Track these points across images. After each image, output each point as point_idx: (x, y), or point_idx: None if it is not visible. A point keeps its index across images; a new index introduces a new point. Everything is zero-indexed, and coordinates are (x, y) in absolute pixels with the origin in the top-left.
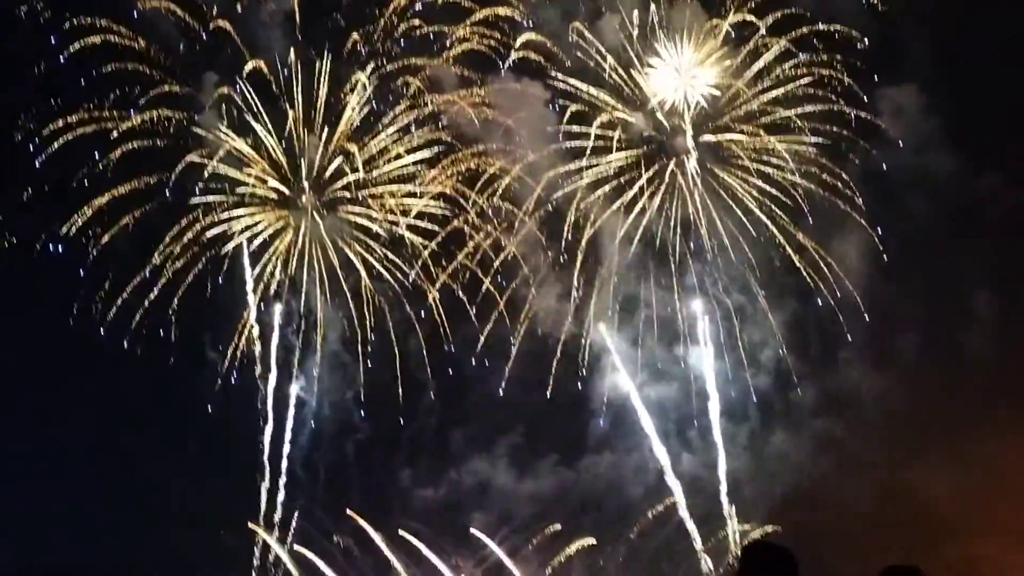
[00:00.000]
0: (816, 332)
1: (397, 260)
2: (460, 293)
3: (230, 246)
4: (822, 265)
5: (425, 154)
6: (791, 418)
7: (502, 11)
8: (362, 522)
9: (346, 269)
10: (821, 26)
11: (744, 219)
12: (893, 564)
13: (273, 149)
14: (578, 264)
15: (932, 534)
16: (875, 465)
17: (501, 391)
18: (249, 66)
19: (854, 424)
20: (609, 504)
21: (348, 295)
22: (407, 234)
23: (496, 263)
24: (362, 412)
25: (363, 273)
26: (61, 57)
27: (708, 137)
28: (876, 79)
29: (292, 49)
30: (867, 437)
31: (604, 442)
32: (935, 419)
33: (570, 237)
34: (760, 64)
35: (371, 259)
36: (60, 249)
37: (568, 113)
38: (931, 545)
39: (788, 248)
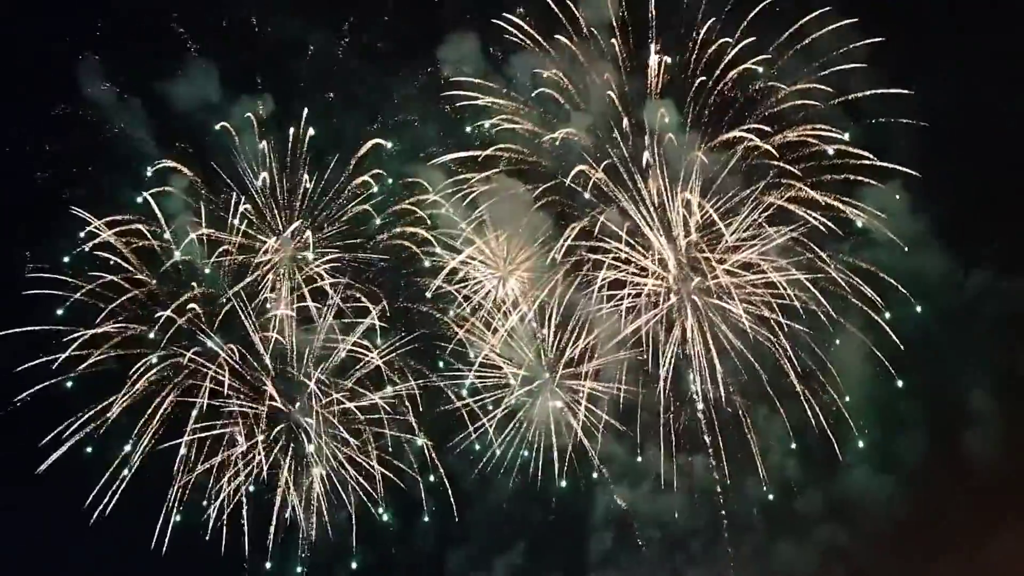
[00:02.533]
0: (817, 438)
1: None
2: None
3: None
4: (819, 371)
5: None
6: (796, 526)
7: None
8: None
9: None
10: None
11: (742, 327)
12: None
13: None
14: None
15: None
16: None
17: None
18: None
19: (859, 532)
20: None
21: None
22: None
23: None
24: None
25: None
26: None
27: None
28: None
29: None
30: (873, 545)
31: (608, 558)
32: (941, 524)
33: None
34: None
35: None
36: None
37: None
38: None
39: (785, 355)
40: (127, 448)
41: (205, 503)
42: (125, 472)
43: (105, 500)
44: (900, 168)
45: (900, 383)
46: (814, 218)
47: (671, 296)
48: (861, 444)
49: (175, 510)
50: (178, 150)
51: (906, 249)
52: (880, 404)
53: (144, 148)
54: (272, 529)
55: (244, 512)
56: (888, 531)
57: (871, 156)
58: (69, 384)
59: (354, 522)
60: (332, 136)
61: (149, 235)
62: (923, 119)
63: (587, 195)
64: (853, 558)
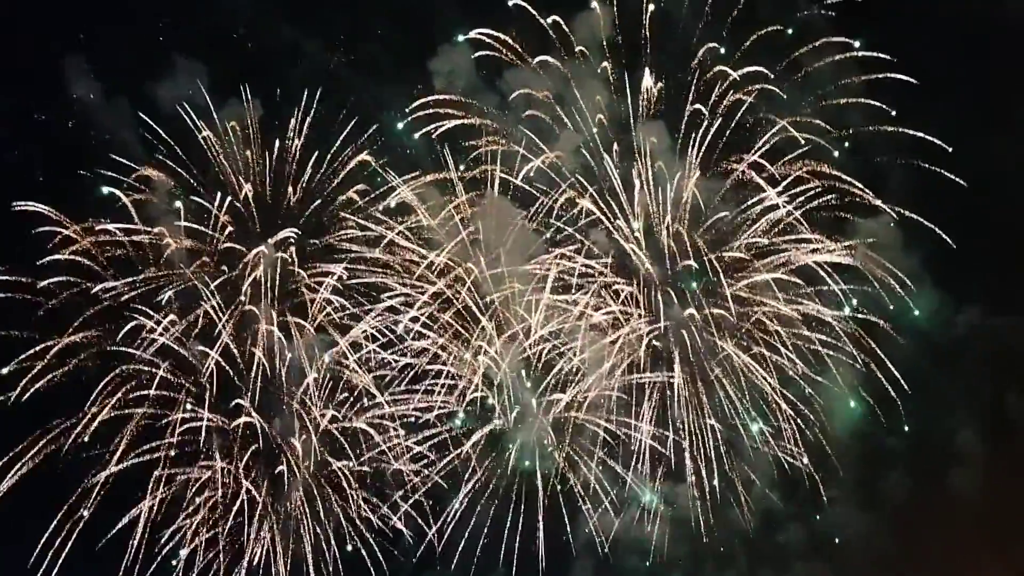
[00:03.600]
0: (802, 472)
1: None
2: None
3: None
4: (804, 407)
5: None
6: (778, 560)
7: None
8: None
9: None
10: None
11: (731, 358)
12: None
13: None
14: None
15: None
16: None
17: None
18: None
19: (840, 568)
20: None
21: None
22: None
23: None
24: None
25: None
26: None
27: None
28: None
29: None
30: None
31: None
32: (922, 563)
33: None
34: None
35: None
36: None
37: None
38: None
39: (774, 388)
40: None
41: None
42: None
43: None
44: (896, 209)
45: (884, 421)
46: (807, 253)
47: (656, 325)
48: (845, 481)
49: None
50: (163, 154)
51: (897, 287)
52: (866, 441)
53: (128, 151)
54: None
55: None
56: (869, 569)
57: (868, 192)
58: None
59: (334, 546)
60: (320, 147)
61: (127, 243)
62: (917, 157)
63: (575, 218)
64: None
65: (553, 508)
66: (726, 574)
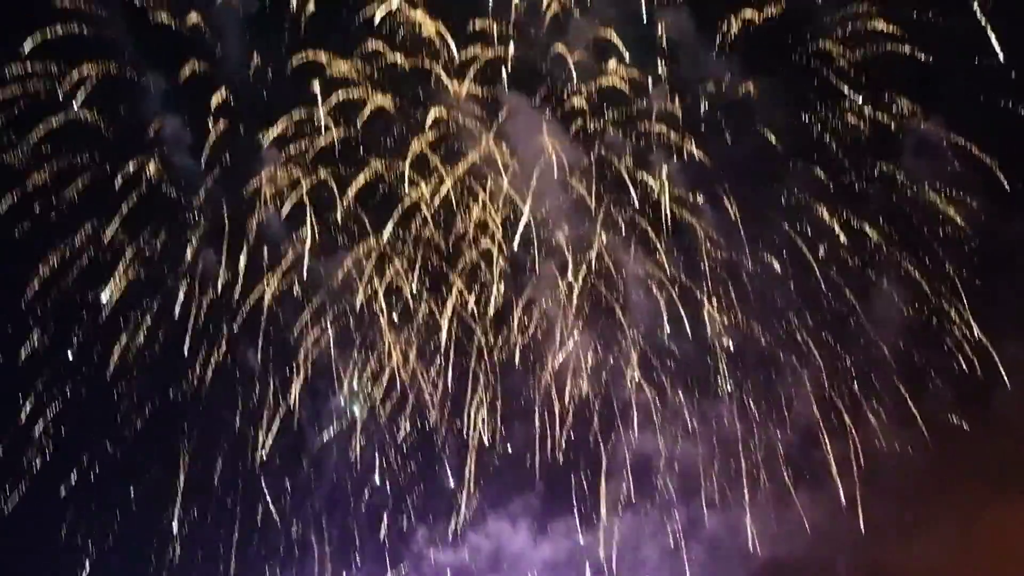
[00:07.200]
0: (845, 386)
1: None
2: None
3: None
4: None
5: None
6: (815, 477)
7: None
8: None
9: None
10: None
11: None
12: None
13: None
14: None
15: None
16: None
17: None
18: None
19: (876, 484)
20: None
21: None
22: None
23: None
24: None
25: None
26: None
27: None
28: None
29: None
30: (889, 498)
31: (625, 502)
32: (959, 483)
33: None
34: None
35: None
36: None
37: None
38: None
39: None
40: None
41: None
42: None
43: None
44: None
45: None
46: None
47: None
48: (884, 395)
49: None
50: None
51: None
52: (909, 354)
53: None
54: None
55: None
56: (905, 486)
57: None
58: None
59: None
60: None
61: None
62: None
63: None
64: (868, 509)
65: (589, 426)
66: (764, 487)
